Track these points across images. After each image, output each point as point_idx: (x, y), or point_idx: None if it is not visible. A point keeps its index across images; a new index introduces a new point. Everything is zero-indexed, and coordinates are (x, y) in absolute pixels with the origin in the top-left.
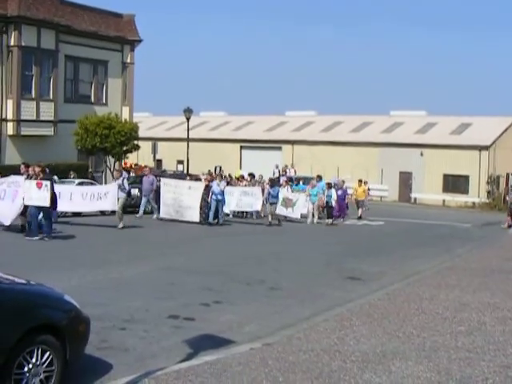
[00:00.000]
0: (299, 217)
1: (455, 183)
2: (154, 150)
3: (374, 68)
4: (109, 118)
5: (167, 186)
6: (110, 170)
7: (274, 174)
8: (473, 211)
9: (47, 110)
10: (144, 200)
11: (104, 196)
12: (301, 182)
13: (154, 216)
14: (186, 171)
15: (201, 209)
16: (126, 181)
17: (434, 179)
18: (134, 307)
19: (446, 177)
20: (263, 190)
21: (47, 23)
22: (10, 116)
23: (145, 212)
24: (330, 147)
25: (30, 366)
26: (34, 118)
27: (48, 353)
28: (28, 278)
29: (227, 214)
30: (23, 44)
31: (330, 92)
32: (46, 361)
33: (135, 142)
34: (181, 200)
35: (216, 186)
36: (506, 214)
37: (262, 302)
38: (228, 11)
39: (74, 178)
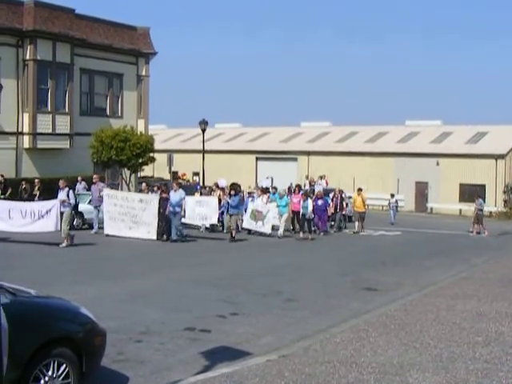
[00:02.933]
0: (269, 231)
1: (472, 192)
2: (170, 162)
3: (389, 78)
4: (124, 131)
5: (112, 199)
6: (125, 182)
7: (304, 185)
8: (489, 220)
9: (63, 123)
10: (96, 212)
11: (46, 214)
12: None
13: (93, 231)
14: (202, 183)
15: (158, 224)
16: (71, 193)
17: (450, 189)
18: (150, 319)
19: (462, 186)
20: (220, 201)
21: (62, 37)
22: (26, 129)
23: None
24: (346, 158)
25: (47, 378)
26: (50, 131)
27: (64, 365)
28: (45, 291)
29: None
30: (39, 58)
31: (344, 102)
32: (62, 373)
33: (151, 155)
34: (134, 215)
35: (173, 196)
36: None
37: (278, 314)
38: (243, 23)
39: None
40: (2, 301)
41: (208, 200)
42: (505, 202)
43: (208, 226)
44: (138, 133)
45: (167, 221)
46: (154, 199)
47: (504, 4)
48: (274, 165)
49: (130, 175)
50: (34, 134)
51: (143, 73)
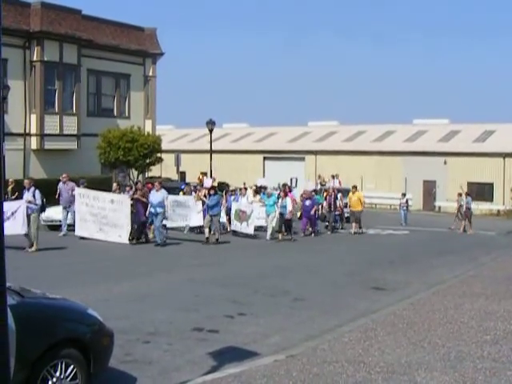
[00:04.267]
0: (253, 232)
1: (479, 191)
2: (178, 162)
3: (396, 77)
4: (131, 132)
5: (83, 198)
6: (133, 183)
7: (317, 184)
8: (497, 219)
9: (70, 124)
10: (65, 213)
11: (12, 216)
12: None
13: (61, 233)
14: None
15: (132, 227)
16: (38, 194)
17: (457, 187)
18: (158, 320)
19: (470, 185)
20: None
21: (69, 38)
22: (33, 130)
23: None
24: (353, 157)
25: (54, 379)
26: (58, 132)
27: (72, 366)
28: (52, 292)
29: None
30: (46, 59)
31: (352, 102)
32: (69, 374)
33: (158, 155)
34: (104, 216)
35: (154, 196)
36: None
37: (286, 314)
38: (251, 23)
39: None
40: (10, 302)
41: (185, 200)
42: None
43: (191, 226)
44: (146, 133)
45: (141, 223)
46: (125, 200)
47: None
48: (282, 164)
49: (138, 176)
50: (42, 135)
51: (150, 73)
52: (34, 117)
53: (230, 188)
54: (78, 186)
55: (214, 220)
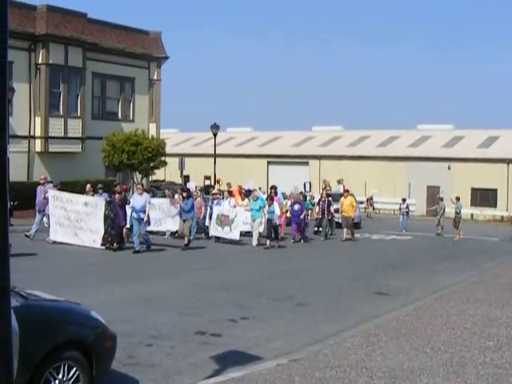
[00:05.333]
0: (237, 237)
1: (483, 197)
2: (181, 166)
3: (401, 82)
4: (136, 135)
5: (57, 201)
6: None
7: (323, 189)
8: (501, 225)
9: (75, 127)
10: (39, 217)
11: None
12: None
13: (30, 232)
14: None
15: (105, 231)
16: None
17: (461, 193)
18: (161, 323)
19: (473, 190)
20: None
21: (74, 41)
22: (38, 133)
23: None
24: (357, 162)
25: (57, 381)
26: (62, 134)
27: (74, 369)
28: (56, 294)
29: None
30: (51, 62)
31: (356, 107)
32: (72, 377)
33: (162, 158)
34: (78, 220)
35: (137, 200)
36: None
37: (289, 318)
38: (255, 27)
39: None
40: (13, 304)
41: (160, 203)
42: None
43: (174, 230)
44: (150, 137)
45: (120, 228)
46: (99, 202)
47: None
48: (286, 169)
49: (142, 179)
50: (46, 138)
51: (155, 77)
52: (38, 119)
53: (214, 191)
54: (56, 184)
55: (186, 224)
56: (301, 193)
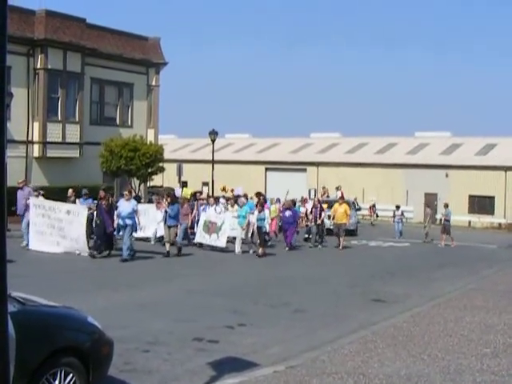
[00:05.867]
0: (224, 245)
1: (481, 204)
2: (179, 172)
3: (399, 89)
4: (134, 141)
5: (39, 209)
6: (134, 192)
7: (321, 195)
8: (499, 232)
9: (73, 132)
10: (25, 223)
11: None
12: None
13: (24, 243)
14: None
15: (89, 238)
16: None
17: (459, 200)
18: (157, 329)
19: (471, 198)
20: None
21: (73, 46)
22: (36, 138)
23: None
24: (355, 169)
25: None
26: (60, 140)
27: (71, 375)
28: (54, 299)
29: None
30: (49, 67)
31: (354, 114)
32: (69, 383)
33: (160, 164)
34: (60, 228)
35: (123, 207)
36: None
37: (286, 325)
38: (252, 33)
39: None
40: (10, 309)
41: (145, 208)
42: None
43: (158, 236)
44: (148, 142)
45: (107, 235)
46: (81, 211)
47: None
48: (284, 176)
49: (140, 185)
50: (44, 143)
51: (153, 83)
52: (36, 124)
53: (201, 197)
54: (37, 192)
55: (172, 231)
56: (292, 200)
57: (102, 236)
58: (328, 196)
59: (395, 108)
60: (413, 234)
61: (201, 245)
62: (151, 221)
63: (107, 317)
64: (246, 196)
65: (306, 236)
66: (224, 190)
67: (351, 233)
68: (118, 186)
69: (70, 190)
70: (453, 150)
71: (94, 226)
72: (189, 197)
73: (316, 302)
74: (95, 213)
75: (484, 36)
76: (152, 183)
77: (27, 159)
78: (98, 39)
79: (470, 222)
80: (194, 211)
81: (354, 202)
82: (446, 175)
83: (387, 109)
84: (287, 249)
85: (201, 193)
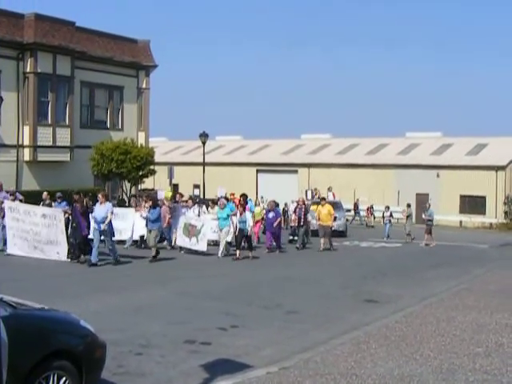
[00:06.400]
0: (205, 249)
1: (472, 204)
2: (171, 175)
3: (389, 90)
4: (125, 144)
5: (14, 213)
6: (126, 195)
7: (312, 197)
8: (490, 232)
9: (63, 136)
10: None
11: None
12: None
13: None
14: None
15: (69, 243)
16: None
17: (450, 200)
18: (150, 332)
19: (462, 198)
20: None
21: (63, 49)
22: (26, 142)
23: None
24: (346, 170)
25: None
26: (51, 143)
27: (64, 378)
28: (45, 303)
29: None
30: (39, 70)
31: (345, 115)
32: None
33: (151, 167)
34: (37, 233)
35: (98, 211)
36: None
37: (279, 326)
38: (243, 35)
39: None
40: (2, 314)
41: (124, 212)
42: (505, 213)
43: (134, 239)
44: (139, 145)
45: (83, 239)
46: (58, 214)
47: (504, 14)
48: (275, 177)
49: (131, 188)
50: (35, 147)
51: (144, 85)
52: (26, 128)
53: (183, 199)
54: (14, 196)
55: (153, 235)
56: (273, 200)
57: (77, 240)
58: (319, 197)
59: (386, 109)
60: (404, 235)
61: (181, 248)
62: (129, 224)
63: (99, 320)
64: (226, 198)
65: (291, 238)
66: (233, 196)
67: (340, 234)
68: (110, 189)
69: (45, 193)
70: (444, 150)
71: (69, 230)
72: (168, 199)
73: (308, 303)
74: (70, 217)
75: (475, 36)
76: (143, 186)
77: (18, 163)
78: (88, 42)
79: (461, 222)
80: (168, 215)
81: (355, 204)
82: (437, 175)
83: (378, 109)
84: (278, 251)
85: (181, 195)
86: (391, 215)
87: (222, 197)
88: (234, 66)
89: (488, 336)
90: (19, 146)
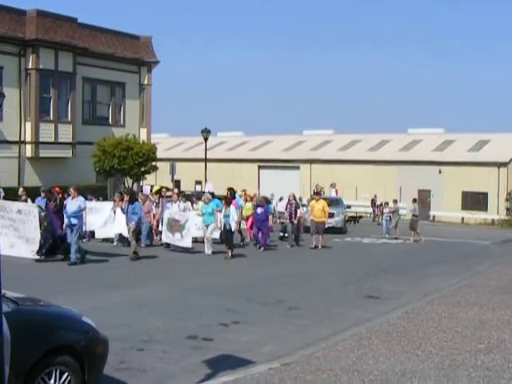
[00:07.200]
0: (190, 245)
1: (474, 200)
2: (172, 171)
3: (391, 86)
4: (127, 140)
5: None
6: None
7: (314, 192)
8: (492, 228)
9: (65, 132)
10: None
11: None
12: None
13: None
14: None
15: (41, 240)
16: None
17: (452, 196)
18: (152, 328)
19: (464, 194)
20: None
21: (65, 46)
22: (28, 138)
23: None
24: (348, 166)
25: None
26: (53, 140)
27: (66, 374)
28: (47, 299)
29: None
30: (41, 67)
31: (347, 111)
32: (64, 382)
33: (153, 163)
34: (15, 229)
35: (69, 205)
36: None
37: (280, 322)
38: (245, 31)
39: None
40: (5, 309)
41: (101, 206)
42: (507, 209)
43: (120, 236)
44: (141, 141)
45: (56, 237)
46: (32, 209)
47: (504, 12)
48: (277, 173)
49: (133, 184)
50: (37, 143)
51: (145, 82)
52: (28, 125)
53: (168, 193)
54: None
55: (130, 231)
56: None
57: (50, 239)
58: (323, 193)
59: (388, 105)
60: (406, 231)
61: (168, 245)
62: (103, 217)
63: (100, 316)
64: (212, 193)
65: (281, 235)
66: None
67: (339, 231)
68: (112, 186)
69: (21, 189)
70: (446, 146)
71: (41, 229)
72: (154, 193)
73: (309, 299)
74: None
75: (477, 33)
76: (145, 182)
77: (20, 159)
78: (90, 38)
79: (463, 219)
80: (155, 209)
81: (373, 200)
82: (440, 172)
83: (380, 105)
84: (262, 249)
85: (167, 189)
86: (390, 212)
87: (209, 192)
88: (236, 62)
89: (490, 332)
90: (21, 143)
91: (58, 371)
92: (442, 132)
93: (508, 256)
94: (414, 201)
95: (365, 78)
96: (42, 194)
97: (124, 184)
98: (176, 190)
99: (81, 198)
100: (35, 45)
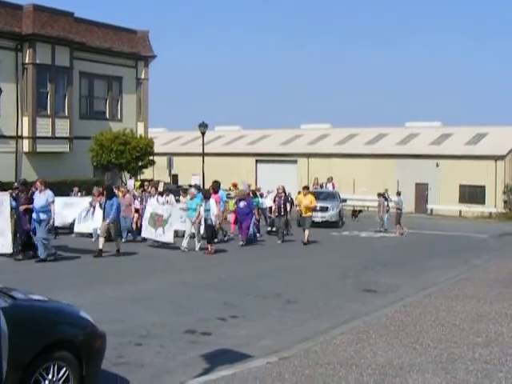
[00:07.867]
0: (172, 240)
1: (471, 194)
2: (170, 165)
3: (389, 79)
4: (124, 134)
5: None
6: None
7: (313, 186)
8: (489, 221)
9: (62, 127)
10: None
11: None
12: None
13: None
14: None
15: (15, 235)
16: None
17: (450, 190)
18: (150, 322)
19: (462, 187)
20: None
21: (61, 40)
22: (25, 133)
23: None
24: (346, 160)
25: (47, 382)
26: (50, 134)
27: (64, 369)
28: (45, 295)
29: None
30: (38, 61)
31: (344, 104)
32: (62, 377)
33: (151, 158)
34: None
35: (37, 199)
36: None
37: (278, 316)
38: (242, 26)
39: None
40: (2, 305)
41: (78, 201)
42: (505, 202)
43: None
44: (138, 136)
45: (24, 233)
46: (5, 199)
47: (503, 4)
48: (274, 167)
49: (130, 178)
50: (34, 138)
51: (142, 76)
52: (26, 119)
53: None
54: None
55: (112, 227)
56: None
57: (19, 234)
58: (321, 187)
59: (385, 98)
60: (405, 224)
61: (144, 239)
62: (76, 211)
63: (97, 311)
64: (198, 187)
65: (269, 229)
66: (235, 187)
67: (333, 225)
68: (109, 180)
69: None
70: (443, 139)
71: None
72: (137, 188)
73: (307, 293)
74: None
75: (474, 25)
76: (142, 177)
77: (17, 154)
78: (86, 33)
79: (460, 212)
80: (139, 205)
81: (384, 194)
82: (437, 165)
83: (377, 99)
84: (241, 243)
85: (150, 182)
86: (388, 205)
87: (196, 185)
88: (233, 57)
89: (488, 325)
90: (18, 137)
91: (56, 366)
92: (439, 125)
93: (506, 249)
94: (398, 194)
95: (362, 72)
96: (20, 188)
97: (121, 178)
98: (161, 184)
99: (48, 192)
100: (32, 39)
